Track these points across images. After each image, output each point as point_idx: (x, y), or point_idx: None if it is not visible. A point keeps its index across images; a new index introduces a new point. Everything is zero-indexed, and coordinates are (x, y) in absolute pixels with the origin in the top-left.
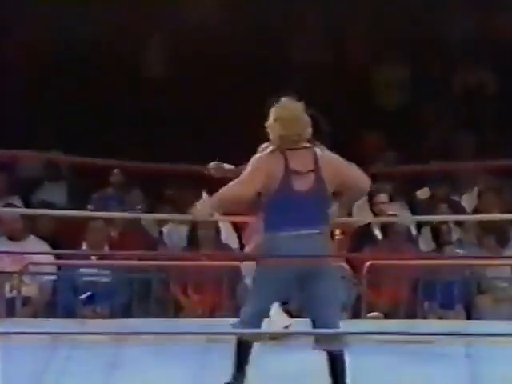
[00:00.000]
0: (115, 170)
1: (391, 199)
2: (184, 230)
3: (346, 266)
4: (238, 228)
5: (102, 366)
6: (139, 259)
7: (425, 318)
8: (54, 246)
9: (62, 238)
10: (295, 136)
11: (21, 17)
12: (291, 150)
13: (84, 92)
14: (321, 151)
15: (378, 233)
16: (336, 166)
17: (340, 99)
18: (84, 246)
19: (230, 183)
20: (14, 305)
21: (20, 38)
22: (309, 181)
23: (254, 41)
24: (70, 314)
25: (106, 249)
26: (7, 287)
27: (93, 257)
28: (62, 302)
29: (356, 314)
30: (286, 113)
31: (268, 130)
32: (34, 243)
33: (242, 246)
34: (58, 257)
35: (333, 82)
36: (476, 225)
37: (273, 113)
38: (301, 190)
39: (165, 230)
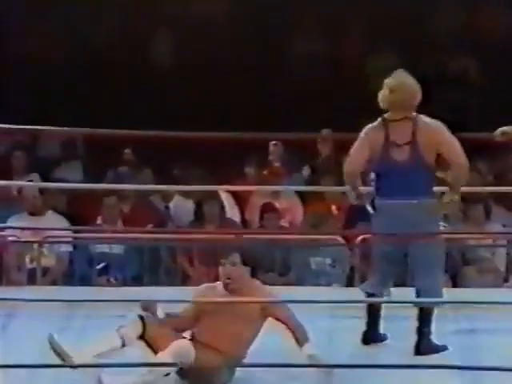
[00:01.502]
0: (126, 150)
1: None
2: (190, 205)
3: (340, 239)
4: (240, 201)
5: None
6: (149, 233)
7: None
8: (71, 220)
9: (78, 213)
10: (399, 101)
11: (45, 11)
12: (393, 121)
13: (98, 81)
14: (425, 121)
15: (370, 208)
16: (434, 138)
17: (338, 87)
18: (99, 221)
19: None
20: (35, 274)
21: (42, 30)
22: (405, 152)
23: (254, 32)
24: (85, 283)
25: (120, 223)
26: (28, 259)
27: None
28: (79, 272)
29: (350, 283)
30: (392, 80)
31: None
32: (52, 218)
33: (243, 220)
34: (75, 231)
35: (331, 70)
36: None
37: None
38: (399, 161)
39: (171, 204)
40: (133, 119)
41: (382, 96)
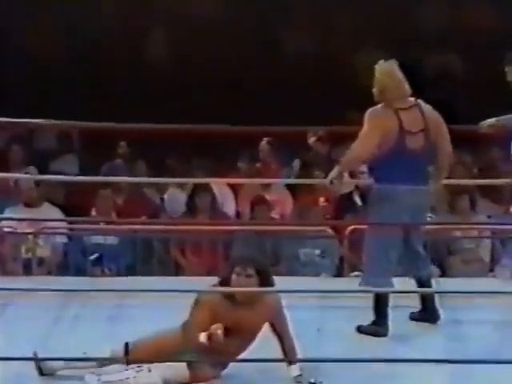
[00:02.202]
0: (121, 143)
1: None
2: (183, 197)
3: (329, 230)
4: (235, 190)
5: (106, 320)
6: (143, 224)
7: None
8: (66, 212)
9: (73, 205)
10: (408, 90)
11: (43, 8)
12: (403, 109)
13: (97, 73)
14: (428, 108)
15: (358, 200)
16: (439, 125)
17: (327, 83)
18: (93, 213)
19: (353, 144)
20: (30, 265)
21: (40, 26)
22: (420, 140)
23: (247, 30)
24: (80, 273)
25: (114, 215)
26: (23, 249)
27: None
28: (73, 262)
29: (339, 273)
30: (398, 70)
31: (375, 91)
32: (48, 209)
33: (237, 211)
34: (69, 222)
35: (318, 66)
36: (447, 191)
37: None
38: (414, 149)
39: (166, 196)
40: (129, 114)
41: (388, 85)
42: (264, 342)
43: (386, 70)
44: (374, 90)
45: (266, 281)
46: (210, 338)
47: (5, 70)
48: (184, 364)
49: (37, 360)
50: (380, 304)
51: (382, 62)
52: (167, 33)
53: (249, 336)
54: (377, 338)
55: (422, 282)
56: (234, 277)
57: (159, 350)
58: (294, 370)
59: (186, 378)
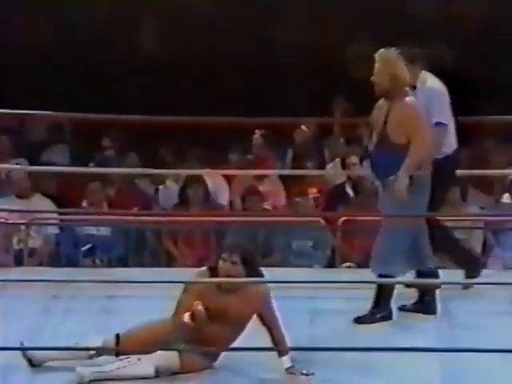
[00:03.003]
0: (105, 139)
1: (361, 161)
2: (175, 189)
3: (321, 221)
4: (229, 181)
5: (98, 311)
6: (135, 216)
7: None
8: (57, 203)
9: (65, 196)
10: (407, 77)
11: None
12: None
13: (85, 68)
14: (403, 102)
15: (350, 191)
16: (402, 120)
17: (315, 73)
18: (84, 204)
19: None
20: (22, 256)
21: (29, 17)
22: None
23: (238, 21)
24: (72, 264)
25: (105, 206)
26: (15, 240)
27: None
28: (65, 253)
29: (331, 265)
30: (390, 56)
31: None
32: (39, 200)
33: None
34: (61, 213)
35: (307, 58)
36: None
37: (381, 61)
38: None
39: (160, 188)
40: (122, 105)
41: (399, 72)
42: (260, 336)
43: (394, 57)
44: (380, 79)
45: (252, 270)
46: (193, 316)
47: None
48: (175, 353)
49: (25, 350)
50: (385, 290)
51: (383, 50)
52: (159, 25)
53: (235, 324)
54: (371, 327)
55: (425, 274)
56: (220, 263)
57: (149, 339)
58: (286, 361)
59: (178, 367)
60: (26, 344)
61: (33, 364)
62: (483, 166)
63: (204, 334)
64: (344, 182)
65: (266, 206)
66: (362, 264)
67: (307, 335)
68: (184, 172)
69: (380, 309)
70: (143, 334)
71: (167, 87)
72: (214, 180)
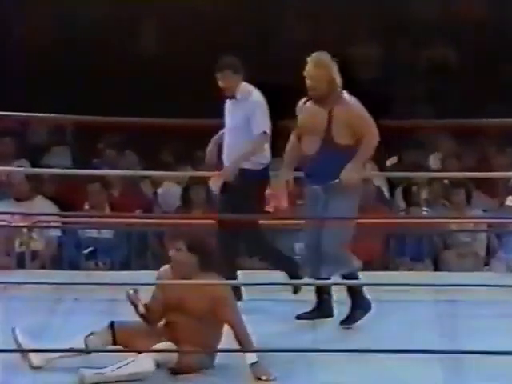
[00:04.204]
0: (100, 144)
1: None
2: (178, 191)
3: None
4: None
5: (100, 314)
6: (137, 218)
7: (396, 270)
8: (59, 205)
9: (66, 198)
10: (339, 80)
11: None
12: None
13: (86, 65)
14: (347, 104)
15: None
16: (350, 122)
17: None
18: (86, 206)
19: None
20: (24, 258)
21: (29, 17)
22: None
23: (239, 20)
24: (74, 267)
25: (107, 208)
26: (17, 243)
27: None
28: (67, 256)
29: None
30: (326, 60)
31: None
32: (41, 202)
33: None
34: (63, 216)
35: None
36: (442, 185)
37: (318, 65)
38: None
39: (160, 190)
40: (125, 107)
41: (335, 76)
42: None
43: (329, 62)
44: (318, 84)
45: (202, 256)
46: (147, 308)
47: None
48: (172, 344)
49: (25, 351)
50: (355, 287)
51: (317, 54)
52: (159, 24)
53: (196, 316)
54: (368, 331)
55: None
56: (169, 253)
57: (143, 333)
58: (250, 357)
59: (175, 360)
60: (25, 343)
61: (34, 366)
62: (487, 168)
63: (171, 327)
64: None
65: (268, 208)
66: (365, 267)
67: (309, 338)
68: (187, 174)
69: (359, 305)
70: (137, 327)
71: (168, 88)
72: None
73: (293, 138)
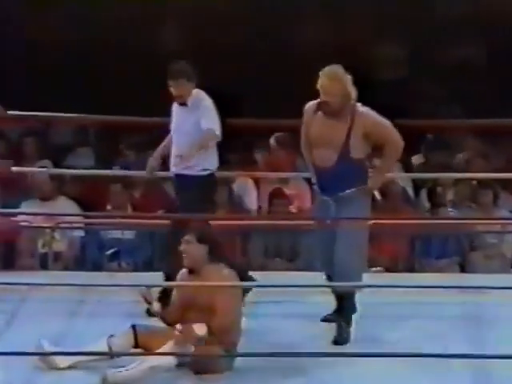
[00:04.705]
0: (121, 145)
1: None
2: None
3: None
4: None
5: (123, 316)
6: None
7: (422, 271)
8: (82, 206)
9: (89, 199)
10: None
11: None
12: None
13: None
14: (364, 116)
15: (377, 194)
16: (369, 133)
17: None
18: (108, 207)
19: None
20: (47, 259)
21: (52, 17)
22: None
23: (259, 20)
24: (97, 268)
25: (130, 209)
26: (40, 243)
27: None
28: (90, 257)
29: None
30: (341, 73)
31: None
32: (63, 203)
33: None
34: (86, 216)
35: (333, 58)
36: (469, 186)
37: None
38: None
39: None
40: (144, 106)
41: (351, 89)
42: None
43: (343, 75)
44: (330, 97)
45: (212, 246)
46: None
47: (17, 60)
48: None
49: (47, 355)
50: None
51: (330, 67)
52: (177, 21)
53: (209, 309)
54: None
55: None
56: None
57: (162, 338)
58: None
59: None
60: (48, 345)
61: (58, 368)
62: None
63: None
64: None
65: (292, 208)
66: (391, 268)
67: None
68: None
69: (345, 313)
70: (158, 330)
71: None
72: (242, 183)
73: (305, 140)
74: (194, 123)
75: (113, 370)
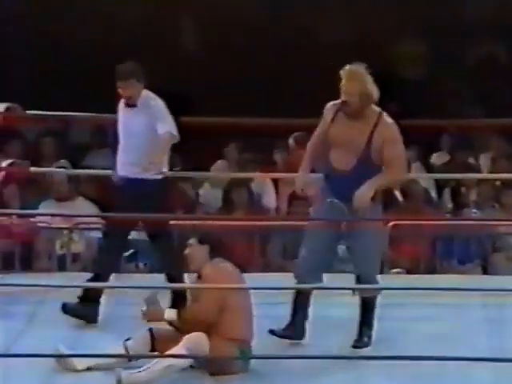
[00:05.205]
0: None
1: (409, 164)
2: (219, 192)
3: None
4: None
5: (138, 317)
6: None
7: (444, 273)
8: (100, 207)
9: (106, 200)
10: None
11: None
12: None
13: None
14: (388, 123)
15: (398, 195)
16: (386, 141)
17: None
18: None
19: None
20: (65, 261)
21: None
22: None
23: (279, 20)
24: None
25: None
26: (58, 245)
27: None
28: None
29: (380, 270)
30: (363, 73)
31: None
32: (81, 204)
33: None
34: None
35: (356, 57)
36: (492, 186)
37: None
38: None
39: (201, 191)
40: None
41: (373, 88)
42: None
43: (363, 74)
44: (353, 98)
45: (212, 245)
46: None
47: (37, 60)
48: (203, 334)
49: (64, 357)
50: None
51: (350, 66)
52: (194, 20)
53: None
54: (407, 335)
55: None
56: None
57: (177, 341)
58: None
59: (207, 349)
60: (65, 350)
61: (76, 370)
62: None
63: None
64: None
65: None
66: (412, 270)
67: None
68: (226, 175)
69: (369, 327)
70: (173, 333)
71: (205, 86)
72: (261, 183)
73: (316, 141)
74: (145, 124)
75: (127, 371)
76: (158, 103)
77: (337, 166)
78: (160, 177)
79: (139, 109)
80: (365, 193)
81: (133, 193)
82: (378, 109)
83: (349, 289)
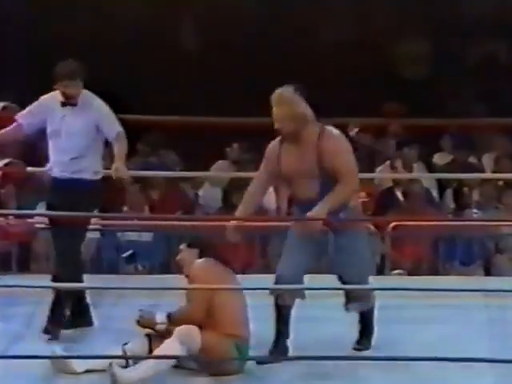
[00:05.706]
0: (138, 144)
1: (410, 163)
2: (219, 193)
3: (371, 226)
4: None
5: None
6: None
7: (446, 274)
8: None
9: (105, 200)
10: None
11: None
12: None
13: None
14: (331, 136)
15: (399, 195)
16: (333, 155)
17: (366, 73)
18: (125, 208)
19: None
20: None
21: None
22: None
23: (279, 20)
24: (113, 270)
25: (147, 210)
26: None
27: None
28: (106, 259)
29: (381, 272)
30: (294, 97)
31: (291, 121)
32: None
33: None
34: (102, 218)
35: (358, 56)
36: (495, 187)
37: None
38: None
39: (200, 192)
40: (160, 105)
41: (307, 110)
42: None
43: (291, 96)
44: (283, 123)
45: (202, 249)
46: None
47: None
48: (195, 327)
49: (61, 358)
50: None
51: (282, 89)
52: (195, 19)
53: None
54: (411, 340)
55: None
56: None
57: None
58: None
59: (199, 343)
60: (61, 352)
61: (76, 372)
62: None
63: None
64: (393, 186)
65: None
66: (413, 271)
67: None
68: (226, 175)
69: (369, 329)
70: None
71: (205, 86)
72: None
73: (260, 180)
74: (86, 124)
75: (122, 369)
76: (100, 102)
77: (303, 196)
78: (99, 177)
79: (79, 108)
80: (315, 215)
81: (70, 193)
82: (318, 125)
83: (346, 289)
